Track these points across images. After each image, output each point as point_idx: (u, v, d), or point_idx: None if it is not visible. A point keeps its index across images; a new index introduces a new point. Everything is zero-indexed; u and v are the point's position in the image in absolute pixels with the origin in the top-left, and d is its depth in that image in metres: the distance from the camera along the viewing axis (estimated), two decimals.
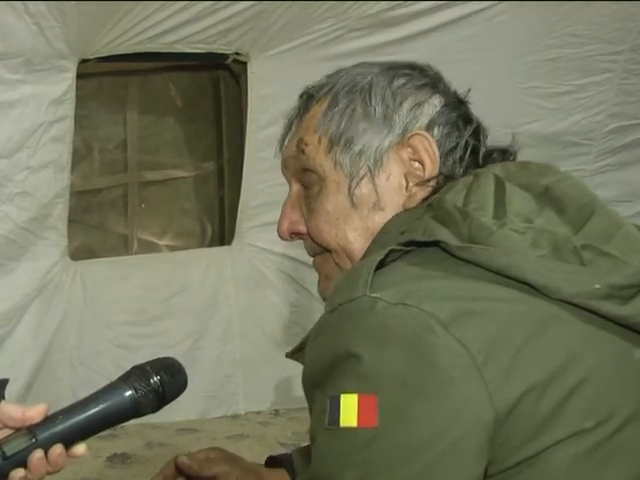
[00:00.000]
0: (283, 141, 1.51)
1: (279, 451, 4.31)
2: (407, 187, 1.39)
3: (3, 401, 1.31)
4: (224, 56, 4.75)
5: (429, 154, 1.39)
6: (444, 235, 1.24)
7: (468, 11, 4.66)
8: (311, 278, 5.12)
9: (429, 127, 1.41)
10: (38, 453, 1.27)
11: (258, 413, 4.98)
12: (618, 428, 1.18)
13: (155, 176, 5.28)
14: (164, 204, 5.35)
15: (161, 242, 5.36)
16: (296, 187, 1.50)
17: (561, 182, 1.33)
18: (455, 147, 1.42)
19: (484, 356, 1.14)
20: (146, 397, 1.34)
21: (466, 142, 1.42)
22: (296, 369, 4.42)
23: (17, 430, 1.29)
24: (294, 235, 1.50)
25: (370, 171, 1.40)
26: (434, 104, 1.43)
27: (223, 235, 5.32)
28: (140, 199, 5.26)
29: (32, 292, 4.47)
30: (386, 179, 1.40)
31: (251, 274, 4.98)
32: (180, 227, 5.41)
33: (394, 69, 1.45)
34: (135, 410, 1.34)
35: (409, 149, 1.40)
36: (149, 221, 5.33)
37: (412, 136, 1.40)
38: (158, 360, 1.39)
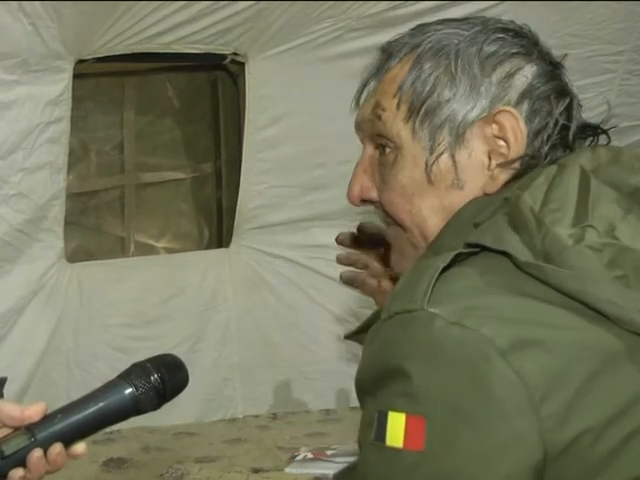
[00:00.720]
0: (358, 98, 1.41)
1: (277, 455, 4.31)
2: (489, 167, 1.30)
3: (1, 400, 1.29)
4: (222, 57, 4.73)
5: (516, 133, 1.29)
6: (514, 245, 1.16)
7: (469, 11, 4.63)
8: (310, 280, 5.10)
9: (518, 102, 1.31)
10: (37, 452, 1.25)
11: (256, 417, 4.96)
12: None
13: (152, 178, 5.25)
14: (161, 206, 5.33)
15: (158, 244, 5.34)
16: (370, 150, 1.40)
17: None
18: (545, 126, 1.31)
19: (542, 392, 1.07)
20: (147, 394, 1.32)
21: (556, 120, 1.32)
22: (294, 372, 4.37)
23: (16, 429, 1.27)
24: (365, 202, 1.41)
25: (451, 146, 1.31)
26: (526, 75, 1.32)
27: (221, 237, 5.30)
28: (137, 201, 5.24)
29: (28, 294, 4.45)
30: (467, 156, 1.31)
31: (249, 277, 4.97)
32: (177, 229, 5.38)
33: (485, 32, 1.34)
34: (135, 408, 1.32)
35: (495, 125, 1.30)
36: (146, 223, 5.31)
37: (499, 112, 1.30)
38: (158, 357, 1.38)
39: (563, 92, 1.34)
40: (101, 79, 4.98)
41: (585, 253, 1.13)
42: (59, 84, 4.24)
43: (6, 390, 3.67)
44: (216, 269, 4.96)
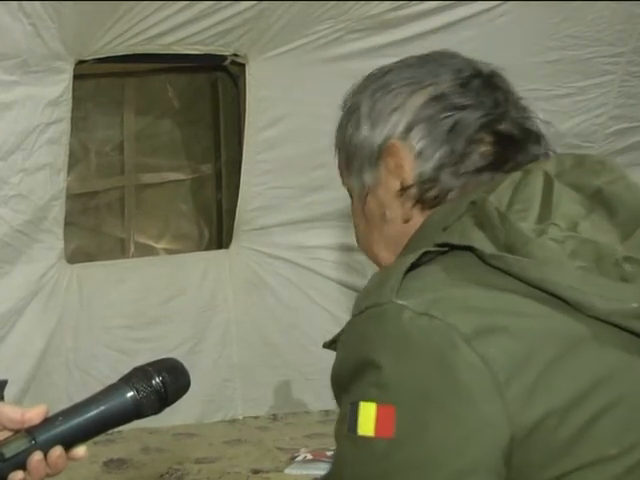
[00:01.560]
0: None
1: (277, 456, 4.30)
2: (400, 196, 1.40)
3: (2, 402, 1.29)
4: (222, 57, 4.72)
5: (406, 160, 1.39)
6: (479, 240, 1.22)
7: (469, 13, 4.63)
8: (310, 281, 5.10)
9: (407, 130, 1.39)
10: (37, 455, 1.24)
11: (256, 418, 4.95)
12: None
13: (152, 179, 5.25)
14: (161, 207, 5.32)
15: (158, 245, 5.34)
16: None
17: (614, 183, 1.28)
18: (428, 145, 1.38)
19: (506, 375, 1.12)
20: (148, 398, 1.31)
21: (442, 137, 1.38)
22: (294, 373, 4.37)
23: (16, 432, 1.27)
24: None
25: (371, 185, 1.43)
26: (411, 107, 1.40)
27: (221, 238, 5.30)
28: (137, 202, 5.23)
29: (28, 295, 4.44)
30: (385, 191, 1.42)
31: (249, 278, 4.96)
32: (177, 230, 5.38)
33: (382, 75, 1.45)
34: (136, 412, 1.32)
35: (390, 158, 1.40)
36: (146, 224, 5.31)
37: (388, 146, 1.40)
38: (160, 361, 1.38)
39: (457, 108, 1.39)
40: (101, 80, 4.98)
41: (547, 244, 1.19)
42: (59, 85, 4.23)
43: (6, 392, 3.67)
44: (216, 270, 4.96)
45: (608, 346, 1.16)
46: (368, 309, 1.20)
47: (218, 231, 5.36)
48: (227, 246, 5.06)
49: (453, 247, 1.24)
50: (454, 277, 1.20)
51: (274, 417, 4.97)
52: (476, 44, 4.72)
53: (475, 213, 1.26)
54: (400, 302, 1.17)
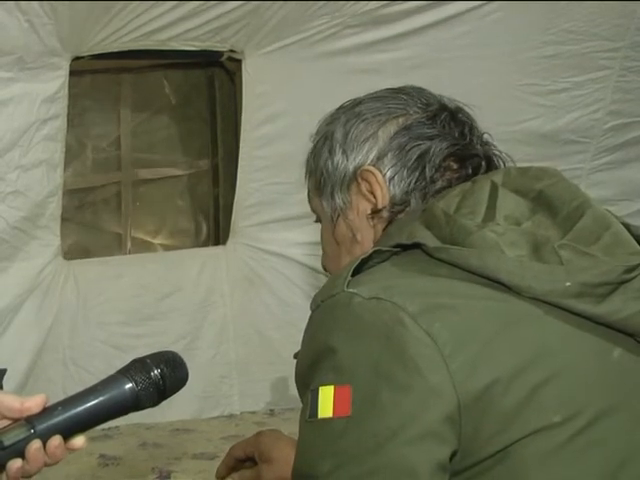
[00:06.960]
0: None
1: None
2: (372, 219, 1.49)
3: (1, 391, 1.29)
4: (218, 53, 4.73)
5: (378, 185, 1.47)
6: (424, 237, 1.31)
7: (464, 8, 4.64)
8: (306, 278, 5.09)
9: (380, 157, 1.48)
10: (36, 444, 1.24)
11: (253, 413, 4.97)
12: (588, 424, 1.23)
13: (149, 174, 5.26)
14: (158, 203, 5.33)
15: (155, 241, 5.34)
16: None
17: (554, 186, 1.38)
18: (399, 171, 1.47)
19: (451, 347, 1.21)
20: (146, 390, 1.31)
21: (412, 165, 1.47)
22: (291, 369, 4.38)
23: (15, 421, 1.27)
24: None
25: (342, 209, 1.52)
26: (383, 135, 1.49)
27: (218, 234, 5.31)
28: (134, 197, 5.23)
29: (25, 292, 4.44)
30: (356, 215, 1.51)
31: (246, 274, 4.97)
32: (174, 226, 5.38)
33: (355, 105, 1.54)
34: (135, 403, 1.31)
35: (364, 183, 1.49)
36: (143, 220, 5.31)
37: (363, 171, 1.49)
38: (159, 353, 1.38)
39: (426, 138, 1.48)
40: (97, 76, 4.98)
41: (487, 235, 1.29)
42: (55, 81, 4.23)
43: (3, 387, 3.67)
44: (213, 266, 4.97)
45: (547, 323, 1.26)
46: (323, 302, 1.29)
47: (215, 227, 5.36)
48: (224, 242, 5.06)
49: (404, 248, 1.34)
50: (402, 270, 1.31)
51: (271, 412, 4.99)
52: (471, 39, 4.73)
53: (424, 218, 1.36)
54: (350, 290, 1.26)
